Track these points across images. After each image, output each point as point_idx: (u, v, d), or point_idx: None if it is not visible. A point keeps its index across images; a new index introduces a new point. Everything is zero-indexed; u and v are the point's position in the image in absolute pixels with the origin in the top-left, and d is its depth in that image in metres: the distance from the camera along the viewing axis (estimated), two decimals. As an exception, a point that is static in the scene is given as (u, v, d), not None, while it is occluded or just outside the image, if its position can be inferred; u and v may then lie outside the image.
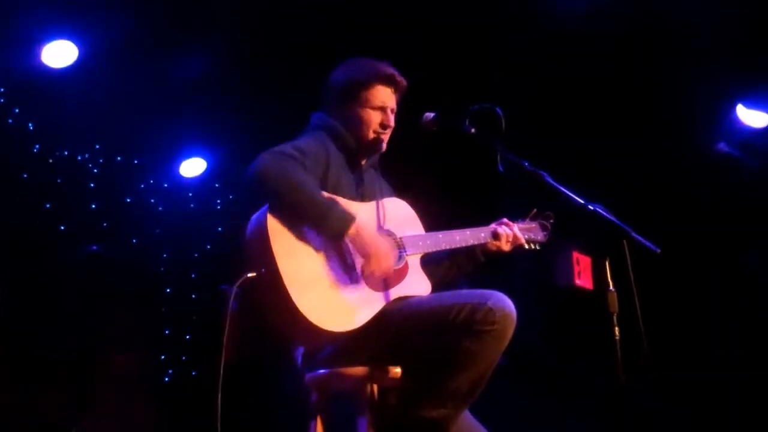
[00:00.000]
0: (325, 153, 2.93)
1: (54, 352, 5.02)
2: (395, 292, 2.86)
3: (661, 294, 4.64)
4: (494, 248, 3.17)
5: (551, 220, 3.36)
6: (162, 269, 5.80)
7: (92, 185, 5.44)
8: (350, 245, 2.78)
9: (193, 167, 5.89)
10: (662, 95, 5.32)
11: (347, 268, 2.77)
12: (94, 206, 5.43)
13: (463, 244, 3.09)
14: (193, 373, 5.67)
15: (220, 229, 6.00)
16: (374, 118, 3.05)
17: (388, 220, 2.97)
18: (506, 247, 3.18)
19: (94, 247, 5.29)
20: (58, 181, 5.25)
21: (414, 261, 2.98)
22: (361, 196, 3.02)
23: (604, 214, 2.63)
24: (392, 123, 3.08)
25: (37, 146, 5.18)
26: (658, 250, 2.56)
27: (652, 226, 2.81)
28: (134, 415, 5.37)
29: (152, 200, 5.80)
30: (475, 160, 3.24)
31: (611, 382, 2.57)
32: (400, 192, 3.21)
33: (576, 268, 5.73)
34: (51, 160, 5.23)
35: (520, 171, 2.77)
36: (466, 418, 2.82)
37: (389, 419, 2.76)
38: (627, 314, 2.55)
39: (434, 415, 2.68)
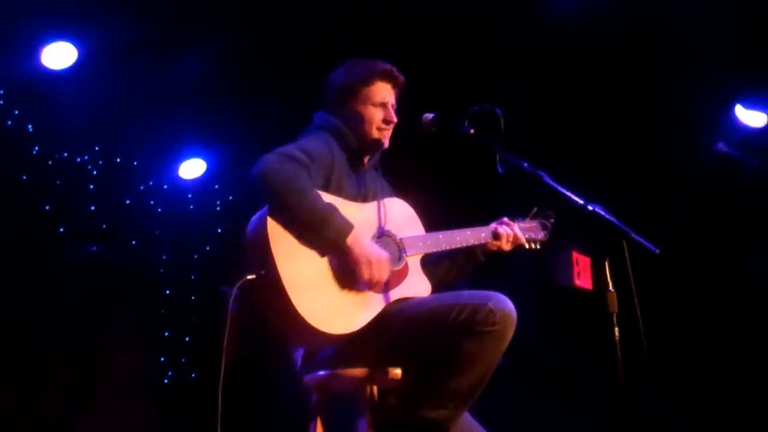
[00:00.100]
0: (329, 154, 2.92)
1: (54, 352, 5.02)
2: (395, 294, 2.86)
3: (661, 294, 4.64)
4: (495, 248, 3.17)
5: (552, 220, 3.35)
6: (161, 270, 5.80)
7: (92, 187, 5.44)
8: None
9: (192, 169, 5.88)
10: (662, 95, 5.33)
11: (347, 269, 2.77)
12: (93, 208, 5.42)
13: (464, 245, 3.09)
14: (193, 375, 5.67)
15: (219, 230, 6.00)
16: (376, 114, 3.05)
17: (388, 221, 2.96)
18: (507, 246, 3.19)
19: (94, 249, 5.29)
20: (58, 182, 5.25)
21: (414, 262, 2.98)
22: (364, 197, 3.01)
23: (604, 214, 2.63)
24: (395, 118, 3.08)
25: (37, 148, 5.17)
26: (657, 251, 2.57)
27: (652, 227, 2.80)
28: (134, 415, 5.36)
29: (152, 202, 5.80)
30: (475, 160, 3.24)
31: (611, 382, 2.57)
32: (401, 192, 3.21)
33: (575, 269, 5.72)
34: (50, 162, 5.23)
35: (520, 171, 2.77)
36: (466, 418, 2.82)
37: (389, 420, 2.76)
38: (626, 314, 2.55)
39: (434, 415, 2.68)
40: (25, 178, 5.09)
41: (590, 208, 2.65)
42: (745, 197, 5.39)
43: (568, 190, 2.70)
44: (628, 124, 5.44)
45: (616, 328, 2.56)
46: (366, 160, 3.12)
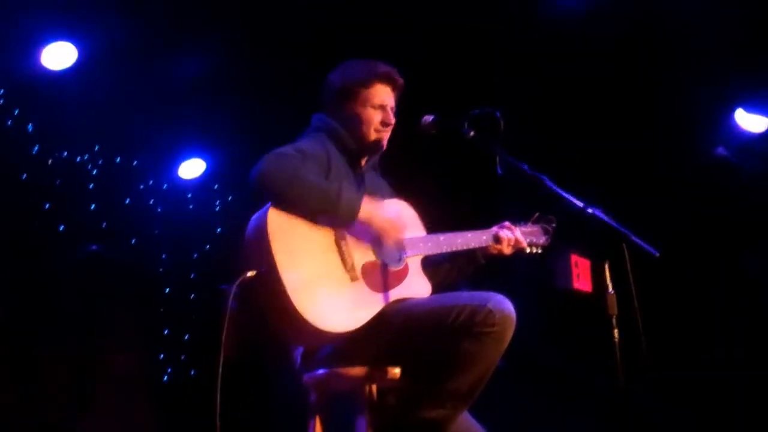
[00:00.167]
0: (326, 155, 2.93)
1: (54, 351, 5.03)
2: (395, 294, 2.86)
3: (660, 296, 4.64)
4: (495, 251, 3.17)
5: (553, 224, 3.35)
6: (161, 270, 5.81)
7: (91, 186, 5.44)
8: (353, 243, 2.79)
9: (192, 168, 5.89)
10: (662, 98, 5.33)
11: (347, 268, 2.77)
12: (93, 207, 5.43)
13: (464, 247, 3.09)
14: (192, 373, 5.67)
15: (219, 229, 6.01)
16: (374, 116, 3.06)
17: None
18: (507, 250, 3.19)
19: (94, 248, 5.29)
20: (58, 182, 5.25)
21: (415, 263, 2.99)
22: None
23: (603, 217, 2.63)
24: (393, 121, 3.09)
25: (37, 147, 5.18)
26: (657, 254, 2.57)
27: (651, 229, 2.80)
28: (133, 414, 5.37)
29: (151, 201, 5.80)
30: (475, 163, 3.24)
31: (610, 383, 2.57)
32: (401, 194, 3.21)
33: (575, 271, 5.71)
34: (50, 161, 5.23)
35: (520, 174, 2.77)
36: (466, 418, 2.83)
37: (388, 419, 2.76)
38: (626, 317, 2.55)
39: (433, 415, 2.68)
40: (25, 177, 5.09)
41: (590, 210, 2.65)
42: (745, 200, 5.39)
43: (567, 193, 2.71)
44: (628, 126, 5.44)
45: (616, 331, 2.56)
46: (364, 161, 3.13)
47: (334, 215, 2.73)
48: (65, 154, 5.32)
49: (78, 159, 5.40)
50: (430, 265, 3.10)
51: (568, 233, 3.31)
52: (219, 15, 5.00)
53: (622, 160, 5.48)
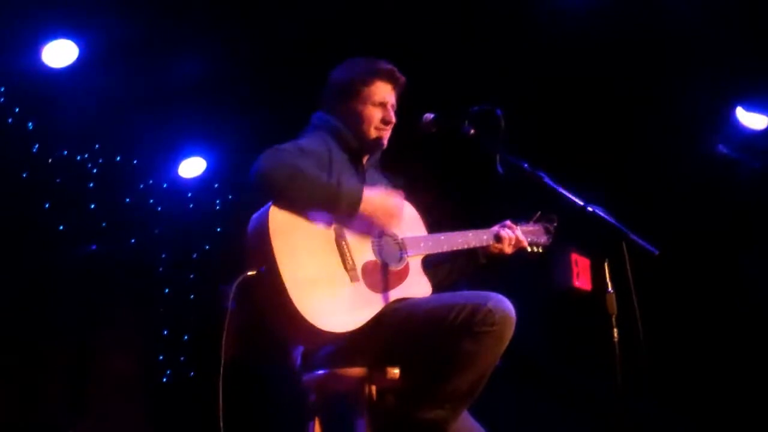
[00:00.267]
0: (327, 152, 2.93)
1: (53, 351, 5.02)
2: (395, 294, 2.86)
3: (660, 295, 4.64)
4: (496, 251, 3.17)
5: (555, 223, 3.34)
6: (161, 269, 5.80)
7: (91, 185, 5.44)
8: (353, 243, 2.79)
9: (192, 167, 5.88)
10: (662, 97, 5.33)
11: (348, 268, 2.77)
12: (93, 206, 5.42)
13: (465, 246, 3.09)
14: (192, 374, 5.67)
15: (219, 229, 6.01)
16: (375, 114, 3.06)
17: (388, 221, 2.96)
18: (508, 249, 3.18)
19: (93, 247, 5.29)
20: (58, 180, 5.25)
21: (415, 262, 2.98)
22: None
23: (603, 215, 2.63)
24: (393, 119, 3.09)
25: (37, 146, 5.18)
26: (657, 252, 2.57)
27: (651, 228, 2.80)
28: (132, 415, 5.37)
29: (151, 200, 5.80)
30: (475, 161, 3.24)
31: (609, 382, 2.57)
32: (401, 191, 3.20)
33: (575, 270, 5.72)
34: (50, 160, 5.24)
35: (520, 172, 2.77)
36: (465, 418, 2.82)
37: (388, 420, 2.76)
38: (626, 316, 2.55)
39: (432, 416, 2.67)
40: (25, 175, 5.10)
41: (590, 209, 2.65)
42: (745, 199, 5.39)
43: (567, 191, 2.70)
44: (628, 124, 5.44)
45: (615, 329, 2.56)
46: (365, 159, 3.12)
47: (337, 207, 2.74)
48: (65, 152, 5.32)
49: (78, 158, 5.39)
50: (431, 264, 3.09)
51: (568, 232, 3.31)
52: (220, 14, 5.01)
53: (622, 159, 5.49)
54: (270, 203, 2.72)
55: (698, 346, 5.37)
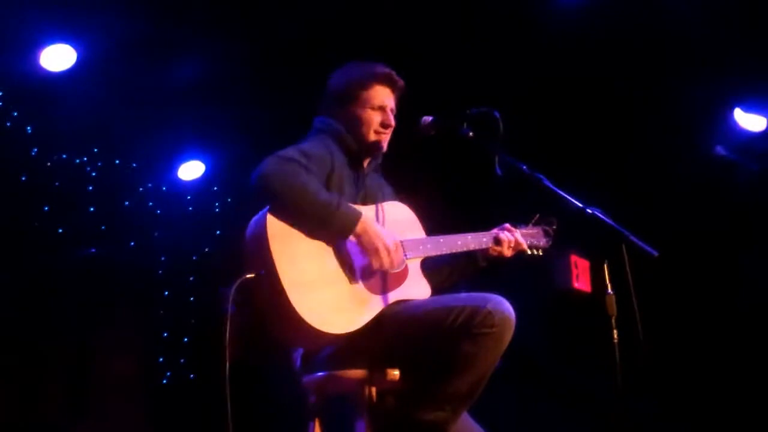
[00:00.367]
0: (329, 156, 2.93)
1: (53, 354, 5.02)
2: (394, 296, 2.86)
3: (660, 297, 4.64)
4: (496, 253, 3.16)
5: (554, 226, 3.33)
6: (160, 272, 5.80)
7: (90, 188, 5.44)
8: (352, 246, 2.79)
9: (191, 170, 5.88)
10: (661, 98, 5.33)
11: (346, 270, 2.77)
12: (92, 209, 5.42)
13: (464, 249, 3.08)
14: (191, 376, 5.67)
15: (218, 232, 6.01)
16: (375, 118, 3.06)
17: (387, 224, 2.96)
18: (508, 252, 3.17)
19: (93, 250, 5.29)
20: (57, 184, 5.25)
21: (414, 265, 2.98)
22: (363, 199, 3.02)
23: (603, 217, 2.63)
24: (393, 122, 3.09)
25: (36, 149, 5.18)
26: (656, 254, 2.57)
27: (650, 229, 2.80)
28: (132, 416, 5.37)
29: (150, 203, 5.80)
30: (474, 163, 3.24)
31: (609, 384, 2.57)
32: (402, 195, 3.21)
33: (574, 271, 5.72)
34: (49, 164, 5.24)
35: (519, 174, 2.77)
36: (465, 420, 2.82)
37: (387, 422, 2.75)
38: (625, 317, 2.55)
39: (432, 417, 2.67)
40: (24, 179, 5.10)
41: (589, 211, 2.65)
42: (743, 200, 5.40)
43: (566, 193, 2.70)
44: (627, 126, 5.45)
45: (615, 331, 2.56)
46: (366, 163, 3.13)
47: (329, 230, 2.73)
48: (64, 156, 5.33)
49: (77, 161, 5.40)
50: (430, 267, 3.09)
51: (567, 233, 3.31)
52: (218, 17, 5.01)
53: (621, 160, 5.49)
54: (267, 207, 2.73)
55: (698, 347, 5.37)
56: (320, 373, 2.81)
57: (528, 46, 5.18)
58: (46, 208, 5.17)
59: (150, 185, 5.81)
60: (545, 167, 2.79)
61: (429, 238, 3.06)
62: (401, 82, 3.12)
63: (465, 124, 2.91)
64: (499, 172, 2.79)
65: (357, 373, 2.76)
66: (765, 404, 5.16)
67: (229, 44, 5.14)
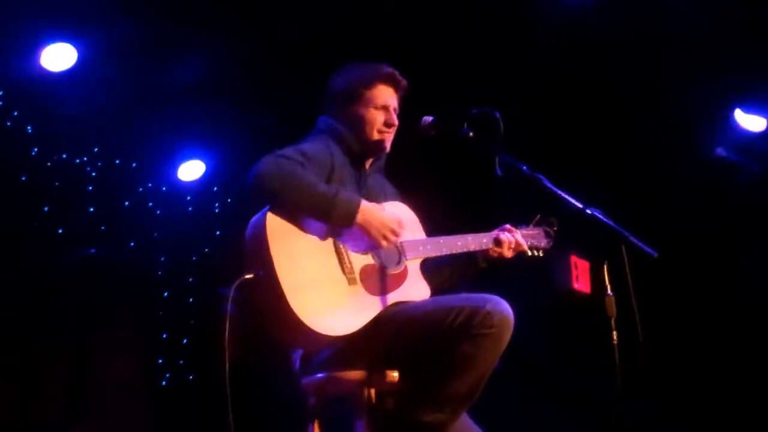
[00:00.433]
0: (329, 156, 2.93)
1: (52, 355, 5.02)
2: (393, 297, 2.86)
3: (659, 298, 4.64)
4: (496, 254, 3.16)
5: (555, 227, 3.33)
6: (160, 272, 5.80)
7: (90, 188, 5.43)
8: (351, 246, 2.79)
9: (191, 170, 5.88)
10: (660, 99, 5.33)
11: (346, 270, 2.77)
12: (92, 209, 5.42)
13: (464, 250, 3.08)
14: (191, 377, 5.67)
15: (218, 232, 6.00)
16: (377, 117, 3.05)
17: (387, 224, 2.96)
18: (508, 253, 3.17)
19: (92, 250, 5.29)
20: (57, 184, 5.24)
21: (414, 266, 2.98)
22: (365, 199, 3.01)
23: (602, 218, 2.63)
24: (396, 121, 3.08)
25: (36, 149, 5.17)
26: (656, 254, 2.57)
27: (650, 230, 2.80)
28: (132, 416, 5.37)
29: (150, 204, 5.80)
30: (474, 163, 3.24)
31: (609, 385, 2.57)
32: (404, 196, 3.20)
33: (574, 272, 5.72)
34: (49, 164, 5.23)
35: (519, 175, 2.77)
36: (464, 421, 2.82)
37: (387, 423, 2.75)
38: (625, 318, 2.55)
39: (432, 418, 2.67)
40: (24, 179, 5.09)
41: (589, 211, 2.65)
42: (743, 201, 5.39)
43: (566, 194, 2.70)
44: (627, 126, 5.44)
45: (615, 332, 2.56)
46: (368, 163, 3.12)
47: (330, 219, 2.73)
48: (64, 156, 5.32)
49: (77, 161, 5.39)
50: (431, 269, 3.09)
51: (567, 234, 3.30)
52: (218, 17, 5.01)
53: (621, 160, 5.49)
54: (267, 207, 2.72)
55: (698, 347, 5.36)
56: (319, 375, 2.81)
57: (528, 46, 5.17)
58: (46, 208, 5.17)
59: (150, 185, 5.80)
60: (545, 167, 2.79)
61: (429, 239, 3.06)
62: (404, 82, 3.12)
63: (465, 125, 2.91)
64: (499, 172, 2.79)
65: (356, 374, 2.76)
66: (765, 404, 5.15)
67: (229, 44, 5.13)
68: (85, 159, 5.43)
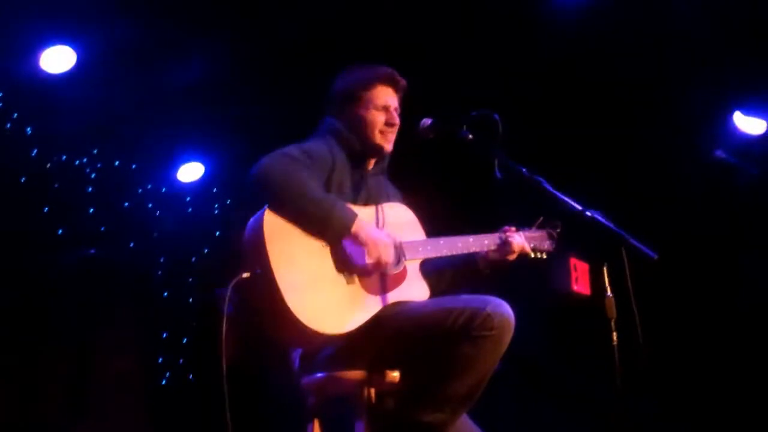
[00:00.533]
0: (330, 156, 2.93)
1: (52, 355, 5.02)
2: (392, 297, 2.85)
3: (659, 299, 4.64)
4: (499, 257, 3.15)
5: (558, 229, 3.30)
6: (159, 273, 5.80)
7: (90, 189, 5.44)
8: (350, 246, 2.78)
9: (191, 172, 5.88)
10: (660, 100, 5.33)
11: (344, 270, 2.77)
12: (92, 210, 5.42)
13: (465, 251, 3.07)
14: (190, 377, 5.67)
15: (218, 233, 6.01)
16: (378, 118, 3.05)
17: (387, 225, 2.96)
18: (511, 256, 3.15)
19: (92, 251, 5.29)
20: (56, 185, 5.25)
21: (413, 267, 2.98)
22: (365, 201, 3.01)
23: (602, 220, 2.63)
24: (397, 121, 3.09)
25: (35, 151, 5.18)
26: (656, 256, 2.57)
27: (650, 232, 2.81)
28: (132, 416, 5.37)
29: (150, 205, 5.80)
30: (473, 166, 3.24)
31: (609, 387, 2.57)
32: (406, 199, 3.20)
33: (573, 274, 5.72)
34: (49, 165, 5.23)
35: (518, 177, 2.77)
36: (464, 421, 2.82)
37: (386, 423, 2.75)
38: (625, 320, 2.55)
39: (431, 419, 2.67)
40: (23, 180, 5.09)
41: (588, 213, 2.65)
42: (743, 203, 5.39)
43: (566, 196, 2.70)
44: (627, 128, 5.45)
45: (615, 334, 2.57)
46: (370, 164, 3.13)
47: (325, 229, 2.73)
48: (64, 157, 5.32)
49: (77, 162, 5.39)
50: (432, 272, 3.08)
51: (567, 236, 3.30)
52: (218, 19, 5.01)
53: (621, 162, 5.49)
54: (265, 207, 2.72)
55: (698, 348, 5.36)
56: (319, 374, 2.81)
57: (528, 47, 5.17)
58: (46, 209, 5.17)
59: (150, 187, 5.80)
60: (545, 168, 2.79)
61: (429, 239, 3.05)
62: (403, 82, 3.12)
63: (464, 127, 2.91)
64: (498, 174, 2.79)
65: (356, 374, 2.76)
66: (765, 404, 5.16)
67: (229, 45, 5.13)
68: (85, 160, 5.44)
